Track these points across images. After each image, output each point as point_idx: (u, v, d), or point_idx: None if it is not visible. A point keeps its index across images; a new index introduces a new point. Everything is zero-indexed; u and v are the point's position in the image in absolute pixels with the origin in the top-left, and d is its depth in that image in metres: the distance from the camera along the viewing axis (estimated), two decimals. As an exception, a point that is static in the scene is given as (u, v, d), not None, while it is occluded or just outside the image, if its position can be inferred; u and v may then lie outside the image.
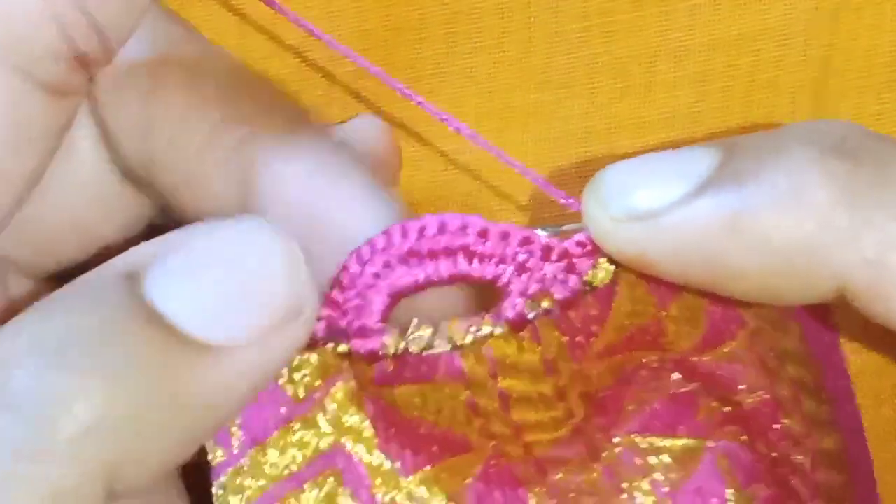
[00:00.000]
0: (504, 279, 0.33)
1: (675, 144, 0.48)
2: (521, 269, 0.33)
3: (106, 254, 0.39)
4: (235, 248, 0.30)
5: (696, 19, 0.47)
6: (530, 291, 0.33)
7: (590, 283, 0.34)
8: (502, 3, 0.47)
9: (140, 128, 0.36)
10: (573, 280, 0.33)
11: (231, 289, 0.30)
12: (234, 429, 0.33)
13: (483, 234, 0.34)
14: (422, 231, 0.34)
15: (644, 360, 0.35)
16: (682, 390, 0.35)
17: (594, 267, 0.34)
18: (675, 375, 0.35)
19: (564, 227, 0.34)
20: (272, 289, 0.30)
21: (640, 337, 0.35)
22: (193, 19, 0.42)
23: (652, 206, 0.31)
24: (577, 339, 0.34)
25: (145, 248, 0.31)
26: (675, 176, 0.31)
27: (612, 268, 0.34)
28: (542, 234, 0.34)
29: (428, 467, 0.34)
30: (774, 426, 0.35)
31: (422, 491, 0.34)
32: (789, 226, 0.29)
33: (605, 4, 0.47)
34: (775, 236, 0.30)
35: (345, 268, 0.34)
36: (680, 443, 0.35)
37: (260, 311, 0.30)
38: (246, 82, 0.37)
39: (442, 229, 0.34)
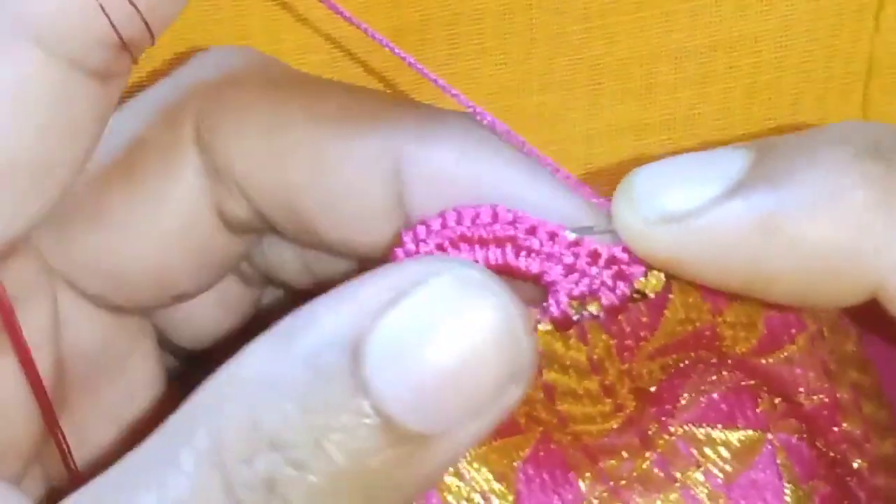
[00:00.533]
0: (550, 276, 0.33)
1: (677, 145, 0.49)
2: (569, 269, 0.33)
3: (180, 301, 0.39)
4: (452, 318, 0.28)
5: (697, 21, 0.47)
6: (576, 293, 0.33)
7: (641, 292, 0.33)
8: (505, 5, 0.47)
9: (274, 164, 0.36)
10: (622, 286, 0.33)
11: (452, 373, 0.28)
12: None
13: (532, 231, 0.34)
14: (475, 217, 0.34)
15: (702, 355, 0.35)
16: (743, 383, 0.35)
17: (646, 275, 0.33)
18: (734, 372, 0.35)
19: (595, 228, 0.33)
20: (493, 366, 0.29)
21: (694, 341, 0.35)
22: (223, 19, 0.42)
23: (684, 208, 0.30)
24: (626, 342, 0.34)
25: (361, 295, 0.29)
26: (706, 177, 0.31)
27: (664, 276, 0.33)
28: (569, 235, 0.33)
29: (477, 447, 0.34)
30: (834, 429, 0.35)
31: (470, 470, 0.34)
32: (825, 228, 0.29)
33: (606, 6, 0.47)
34: (811, 239, 0.29)
35: (402, 243, 0.35)
36: (739, 435, 0.34)
37: (480, 392, 0.29)
38: (358, 91, 0.38)
39: (494, 219, 0.34)
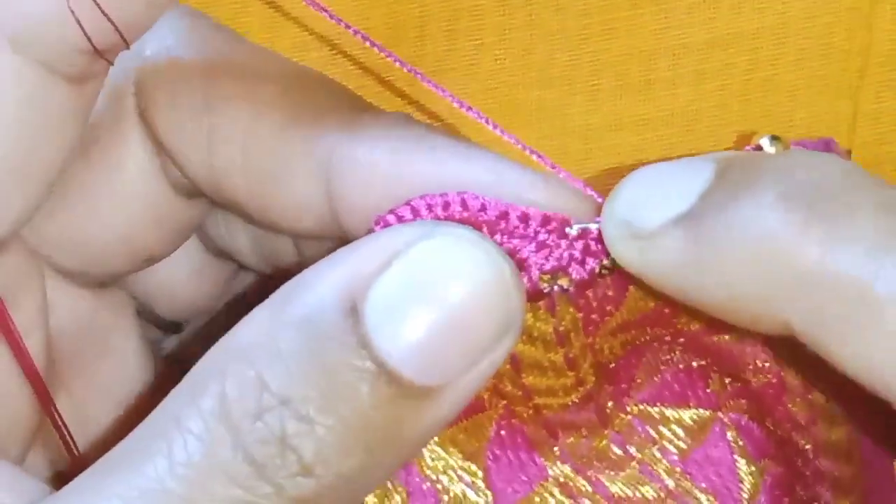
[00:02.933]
0: (523, 254, 0.34)
1: (675, 141, 0.49)
2: (540, 246, 0.34)
3: (151, 263, 0.39)
4: (447, 273, 0.29)
5: (695, 17, 0.47)
6: (547, 267, 0.34)
7: (608, 267, 0.34)
8: (504, 1, 0.47)
9: (204, 141, 0.36)
10: (591, 262, 0.33)
11: (450, 325, 0.29)
12: None
13: (503, 216, 0.34)
14: (446, 206, 0.34)
15: (656, 334, 0.35)
16: (694, 364, 0.35)
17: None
18: (687, 352, 0.35)
19: (591, 226, 0.34)
20: (488, 316, 0.30)
21: (654, 317, 0.35)
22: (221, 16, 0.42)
23: (646, 228, 0.31)
24: (592, 316, 0.35)
25: (353, 259, 0.30)
26: (670, 195, 0.31)
27: None
28: (574, 230, 0.34)
29: (446, 430, 0.34)
30: (780, 408, 0.36)
31: (441, 451, 0.35)
32: (741, 269, 0.30)
33: (605, 2, 0.47)
34: (730, 277, 0.30)
35: (371, 231, 0.35)
36: (690, 413, 0.35)
37: (477, 343, 0.30)
38: (300, 76, 0.37)
39: (465, 206, 0.34)
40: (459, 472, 0.35)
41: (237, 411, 0.29)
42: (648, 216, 0.31)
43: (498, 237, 0.33)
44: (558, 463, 0.35)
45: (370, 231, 0.34)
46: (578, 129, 0.48)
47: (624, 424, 0.35)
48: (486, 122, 0.36)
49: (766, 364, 0.35)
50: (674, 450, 0.35)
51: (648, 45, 0.47)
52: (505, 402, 0.35)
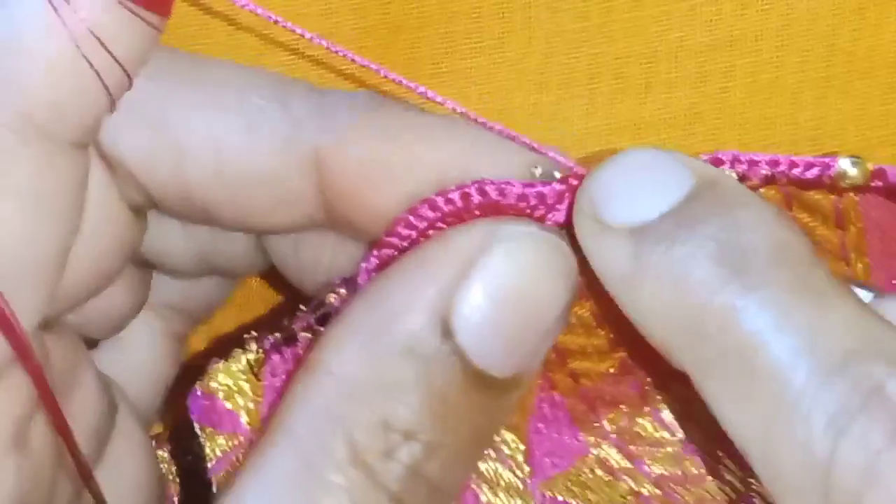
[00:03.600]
0: (552, 219, 0.34)
1: (675, 145, 0.48)
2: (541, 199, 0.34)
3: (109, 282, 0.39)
4: (521, 276, 0.32)
5: (696, 19, 0.47)
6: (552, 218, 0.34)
7: None
8: (502, 2, 0.47)
9: (170, 157, 0.36)
10: None
11: (531, 324, 0.32)
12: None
13: (522, 198, 0.34)
14: (465, 197, 0.34)
15: None
16: None
17: None
18: None
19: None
20: (556, 303, 0.32)
21: None
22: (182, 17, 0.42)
23: (605, 220, 0.32)
24: None
25: (431, 275, 0.32)
26: (638, 198, 0.33)
27: None
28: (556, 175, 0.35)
29: None
30: None
31: None
32: (659, 304, 0.31)
33: (604, 4, 0.46)
34: (649, 308, 0.31)
35: (394, 232, 0.35)
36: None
37: (549, 329, 0.32)
38: (248, 68, 0.37)
39: (483, 194, 0.34)
40: (501, 446, 0.36)
41: (370, 454, 0.31)
42: (614, 211, 0.32)
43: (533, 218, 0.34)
44: (599, 440, 0.36)
45: (393, 231, 0.34)
46: (577, 132, 0.48)
47: (665, 403, 0.36)
48: (485, 123, 0.36)
49: None
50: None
51: (648, 47, 0.47)
52: (544, 372, 0.36)
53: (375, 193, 0.34)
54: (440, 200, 0.34)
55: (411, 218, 0.34)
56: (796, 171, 0.34)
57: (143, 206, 0.37)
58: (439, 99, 0.36)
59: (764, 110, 0.48)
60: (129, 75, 0.33)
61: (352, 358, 0.31)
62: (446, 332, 0.31)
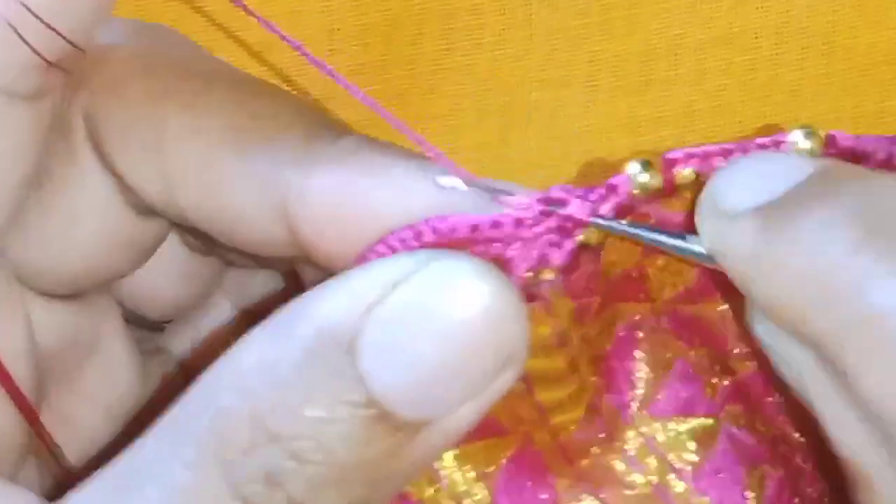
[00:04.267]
0: (507, 255, 0.33)
1: (673, 142, 0.48)
2: (519, 244, 0.33)
3: (116, 280, 0.39)
4: (444, 305, 0.28)
5: (695, 17, 0.47)
6: (531, 262, 0.33)
7: (586, 244, 0.33)
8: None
9: (159, 180, 0.36)
10: (568, 243, 0.33)
11: (443, 361, 0.29)
12: None
13: (474, 229, 0.33)
14: (418, 236, 0.33)
15: (637, 318, 0.35)
16: (687, 364, 0.35)
17: (585, 227, 0.32)
18: (675, 339, 0.35)
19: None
20: (487, 347, 0.29)
21: (624, 284, 0.34)
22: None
23: (728, 209, 0.31)
24: (583, 300, 0.34)
25: (351, 289, 0.29)
26: (760, 184, 0.31)
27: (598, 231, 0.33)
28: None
29: (459, 447, 0.34)
30: (768, 399, 0.35)
31: (452, 468, 0.34)
32: (796, 280, 0.29)
33: (604, 1, 0.47)
34: (783, 283, 0.29)
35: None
36: (697, 423, 0.35)
37: (472, 377, 0.29)
38: (251, 98, 0.36)
39: (436, 231, 0.33)
40: (465, 494, 0.34)
41: (230, 444, 0.29)
42: (735, 198, 0.31)
43: (479, 248, 0.33)
44: (572, 486, 0.35)
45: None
46: (576, 129, 0.48)
47: (633, 440, 0.35)
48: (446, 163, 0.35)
49: (747, 349, 0.35)
50: (687, 466, 0.35)
51: (647, 44, 0.47)
52: (523, 428, 0.35)
53: (337, 239, 0.34)
54: (392, 239, 0.32)
55: (369, 255, 0.33)
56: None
57: (149, 209, 0.38)
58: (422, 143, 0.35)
59: (762, 107, 0.48)
60: (72, 43, 0.32)
61: (254, 348, 0.30)
62: (352, 348, 0.28)
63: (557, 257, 0.32)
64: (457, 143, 0.48)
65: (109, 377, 0.40)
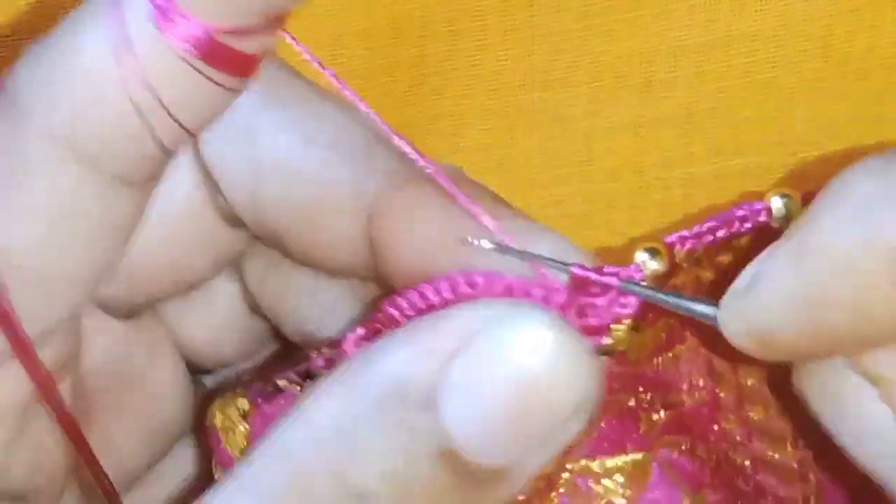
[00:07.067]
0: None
1: (673, 143, 0.49)
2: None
3: (192, 289, 0.39)
4: (518, 356, 0.29)
5: (695, 19, 0.47)
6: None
7: (610, 349, 0.33)
8: (505, 2, 0.47)
9: (249, 173, 0.36)
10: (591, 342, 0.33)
11: (518, 408, 0.29)
12: None
13: (508, 291, 0.33)
14: (455, 287, 0.33)
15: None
16: (627, 406, 0.35)
17: (609, 332, 0.33)
18: (618, 393, 0.35)
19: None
20: (556, 398, 0.29)
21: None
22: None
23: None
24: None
25: (429, 338, 0.30)
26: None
27: (627, 331, 0.33)
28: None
29: None
30: (714, 427, 0.35)
31: None
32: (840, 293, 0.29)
33: (605, 4, 0.47)
34: (827, 302, 0.29)
35: (383, 309, 0.34)
36: (628, 459, 0.35)
37: (546, 427, 0.29)
38: (348, 116, 0.37)
39: (473, 286, 0.33)
40: None
41: (311, 499, 0.29)
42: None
43: None
44: None
45: (380, 308, 0.34)
46: (579, 131, 0.49)
47: (568, 484, 0.35)
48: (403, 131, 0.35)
49: (702, 381, 0.35)
50: (621, 500, 0.35)
51: (649, 46, 0.47)
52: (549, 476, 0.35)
53: (412, 258, 0.34)
54: (429, 290, 0.33)
55: (399, 300, 0.33)
56: (735, 229, 0.33)
57: (231, 215, 0.38)
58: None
59: (760, 110, 0.48)
60: (191, 134, 0.32)
61: (327, 406, 0.30)
62: (430, 403, 0.29)
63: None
64: (461, 144, 0.48)
65: (156, 405, 0.40)
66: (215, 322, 0.40)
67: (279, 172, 0.36)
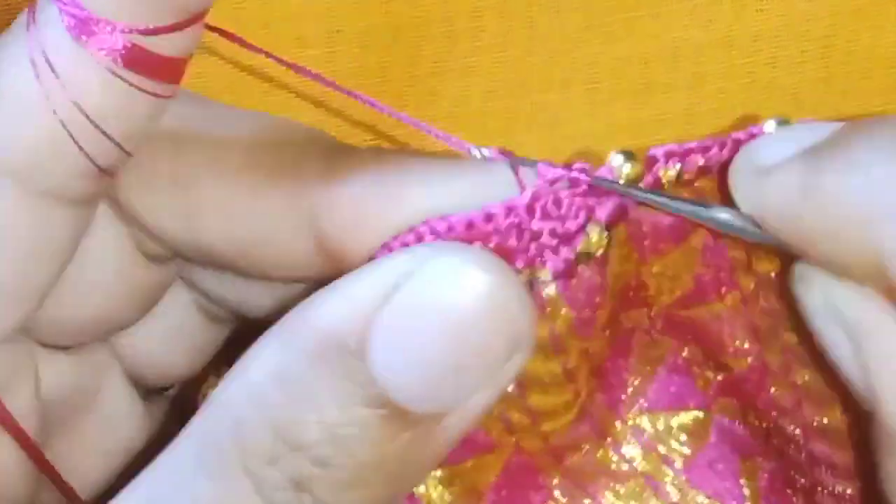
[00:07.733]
0: (509, 244, 0.33)
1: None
2: (514, 237, 0.32)
3: (121, 329, 0.39)
4: (447, 298, 0.29)
5: (694, 20, 0.47)
6: (529, 254, 0.33)
7: (586, 253, 0.33)
8: (503, 2, 0.47)
9: (183, 218, 0.36)
10: (565, 251, 0.33)
11: (452, 353, 0.29)
12: None
13: (469, 226, 0.33)
14: (419, 239, 0.33)
15: (632, 316, 0.35)
16: (679, 359, 0.35)
17: (585, 234, 0.33)
18: (666, 335, 0.35)
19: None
20: (491, 337, 0.29)
21: (624, 294, 0.35)
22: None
23: (767, 163, 0.31)
24: (584, 312, 0.34)
25: (356, 291, 0.30)
26: (794, 141, 0.31)
27: (604, 232, 0.33)
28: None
29: (448, 466, 0.34)
30: (763, 394, 0.35)
31: (439, 488, 0.34)
32: (845, 193, 0.29)
33: (604, 5, 0.47)
34: (832, 202, 0.30)
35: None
36: (689, 416, 0.35)
37: (482, 366, 0.29)
38: (265, 132, 0.37)
39: (434, 233, 0.33)
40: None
41: (252, 454, 0.29)
42: (773, 153, 0.31)
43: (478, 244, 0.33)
44: (563, 483, 0.35)
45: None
46: (577, 131, 0.48)
47: (624, 435, 0.35)
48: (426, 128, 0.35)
49: (746, 345, 0.35)
50: (677, 458, 0.35)
51: (647, 47, 0.47)
52: (514, 438, 0.35)
53: (366, 243, 0.34)
54: (395, 243, 0.33)
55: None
56: (727, 152, 0.33)
57: (162, 255, 0.38)
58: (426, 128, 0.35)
59: (762, 111, 0.48)
60: (123, 149, 0.33)
61: (263, 359, 0.30)
62: (361, 351, 0.29)
63: (554, 263, 0.33)
64: (458, 146, 0.48)
65: (109, 426, 0.40)
66: (170, 336, 0.40)
67: (212, 210, 0.36)
